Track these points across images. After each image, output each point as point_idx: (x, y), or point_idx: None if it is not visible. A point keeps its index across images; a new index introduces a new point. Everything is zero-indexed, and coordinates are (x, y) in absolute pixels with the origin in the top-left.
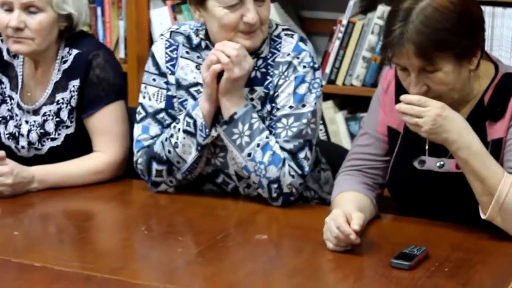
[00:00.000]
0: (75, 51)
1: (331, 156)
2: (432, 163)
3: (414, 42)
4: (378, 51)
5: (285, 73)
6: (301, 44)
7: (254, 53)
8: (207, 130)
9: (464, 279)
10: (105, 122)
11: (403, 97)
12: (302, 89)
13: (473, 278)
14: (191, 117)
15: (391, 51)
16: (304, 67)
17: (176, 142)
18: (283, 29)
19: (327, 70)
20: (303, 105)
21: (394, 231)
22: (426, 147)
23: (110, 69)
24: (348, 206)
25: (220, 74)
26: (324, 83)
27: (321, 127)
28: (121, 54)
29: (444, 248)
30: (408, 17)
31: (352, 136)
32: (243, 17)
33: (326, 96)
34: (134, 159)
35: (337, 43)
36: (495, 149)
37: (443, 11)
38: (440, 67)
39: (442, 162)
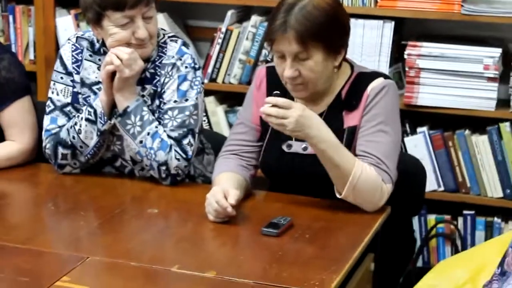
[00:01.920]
0: None
1: (213, 142)
2: (297, 147)
3: (296, 30)
4: (252, 54)
5: (170, 73)
6: (183, 48)
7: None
8: (105, 118)
9: (323, 243)
10: (14, 116)
11: (269, 99)
12: (184, 86)
13: (330, 242)
14: (92, 107)
15: (275, 36)
16: (186, 67)
17: (79, 129)
18: (169, 37)
19: (209, 70)
20: (186, 100)
21: (265, 205)
22: None
23: (15, 70)
24: (226, 184)
25: (114, 74)
26: (206, 81)
27: (205, 118)
28: (30, 56)
29: (306, 218)
30: (291, 9)
31: (231, 125)
32: (134, 33)
33: (208, 92)
34: (43, 145)
35: (217, 47)
36: (350, 134)
37: (320, 9)
38: (312, 55)
39: (305, 145)
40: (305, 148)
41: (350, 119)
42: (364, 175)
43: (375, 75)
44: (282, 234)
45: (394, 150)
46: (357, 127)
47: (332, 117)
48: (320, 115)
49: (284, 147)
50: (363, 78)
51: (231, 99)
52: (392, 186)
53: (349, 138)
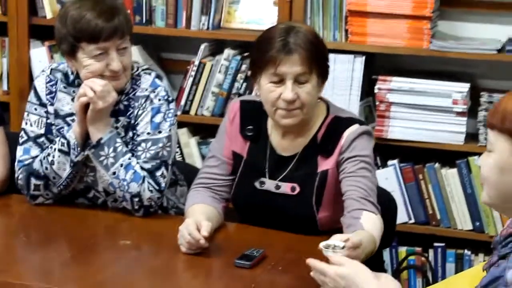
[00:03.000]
0: None
1: (185, 174)
2: (270, 185)
3: (303, 50)
4: (225, 87)
5: (144, 105)
6: (157, 80)
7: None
8: (78, 149)
9: (295, 274)
10: None
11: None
12: (158, 118)
13: (303, 274)
14: (65, 138)
15: (278, 58)
16: (160, 99)
17: (52, 160)
18: (143, 69)
19: (182, 102)
20: (159, 132)
21: (237, 236)
22: (266, 170)
23: None
24: (199, 216)
25: (88, 105)
26: (179, 113)
27: (178, 150)
28: (4, 87)
29: (279, 250)
30: (288, 34)
31: (203, 157)
32: (108, 65)
33: (181, 124)
34: (16, 175)
35: (190, 80)
36: (323, 178)
37: (314, 35)
38: (311, 78)
39: (279, 184)
40: (277, 187)
41: (324, 164)
42: (376, 232)
43: (350, 121)
44: (255, 266)
45: (375, 186)
46: (328, 171)
47: (307, 160)
48: (295, 155)
49: (257, 184)
50: (339, 124)
51: (204, 131)
52: (380, 216)
53: (321, 181)
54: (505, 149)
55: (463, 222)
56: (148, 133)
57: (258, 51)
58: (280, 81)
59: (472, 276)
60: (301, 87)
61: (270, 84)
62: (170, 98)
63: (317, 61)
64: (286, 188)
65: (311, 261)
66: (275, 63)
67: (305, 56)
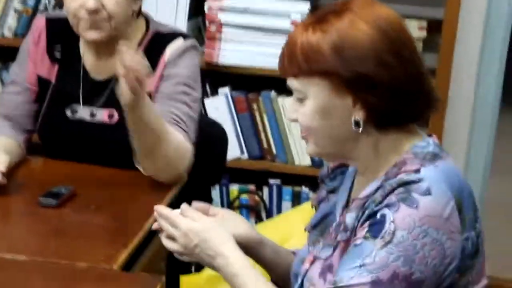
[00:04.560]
0: None
1: None
2: (84, 112)
3: None
4: (30, 3)
5: None
6: None
7: None
8: None
9: (110, 214)
10: None
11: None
12: None
13: (119, 214)
14: None
15: None
16: None
17: None
18: None
19: None
20: None
21: (42, 172)
22: (79, 97)
23: None
24: None
25: None
26: None
27: None
28: None
29: (91, 187)
30: None
31: (3, 83)
32: None
33: None
34: None
35: None
36: None
37: None
38: None
39: (94, 112)
40: (92, 115)
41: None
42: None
43: (173, 35)
44: (63, 205)
45: (195, 113)
46: (152, 94)
47: None
48: (112, 78)
49: (68, 113)
50: (160, 40)
51: (5, 55)
52: (192, 147)
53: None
54: (320, 91)
55: (301, 157)
56: None
57: None
58: None
59: (306, 211)
60: None
61: None
62: None
63: None
64: (102, 115)
65: (159, 208)
66: None
67: None
